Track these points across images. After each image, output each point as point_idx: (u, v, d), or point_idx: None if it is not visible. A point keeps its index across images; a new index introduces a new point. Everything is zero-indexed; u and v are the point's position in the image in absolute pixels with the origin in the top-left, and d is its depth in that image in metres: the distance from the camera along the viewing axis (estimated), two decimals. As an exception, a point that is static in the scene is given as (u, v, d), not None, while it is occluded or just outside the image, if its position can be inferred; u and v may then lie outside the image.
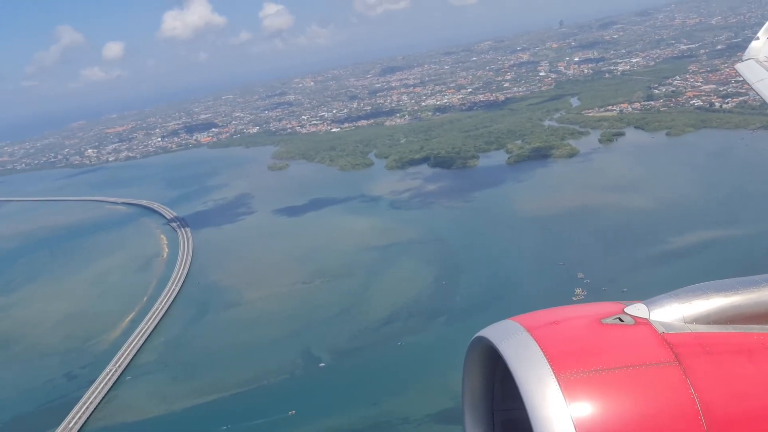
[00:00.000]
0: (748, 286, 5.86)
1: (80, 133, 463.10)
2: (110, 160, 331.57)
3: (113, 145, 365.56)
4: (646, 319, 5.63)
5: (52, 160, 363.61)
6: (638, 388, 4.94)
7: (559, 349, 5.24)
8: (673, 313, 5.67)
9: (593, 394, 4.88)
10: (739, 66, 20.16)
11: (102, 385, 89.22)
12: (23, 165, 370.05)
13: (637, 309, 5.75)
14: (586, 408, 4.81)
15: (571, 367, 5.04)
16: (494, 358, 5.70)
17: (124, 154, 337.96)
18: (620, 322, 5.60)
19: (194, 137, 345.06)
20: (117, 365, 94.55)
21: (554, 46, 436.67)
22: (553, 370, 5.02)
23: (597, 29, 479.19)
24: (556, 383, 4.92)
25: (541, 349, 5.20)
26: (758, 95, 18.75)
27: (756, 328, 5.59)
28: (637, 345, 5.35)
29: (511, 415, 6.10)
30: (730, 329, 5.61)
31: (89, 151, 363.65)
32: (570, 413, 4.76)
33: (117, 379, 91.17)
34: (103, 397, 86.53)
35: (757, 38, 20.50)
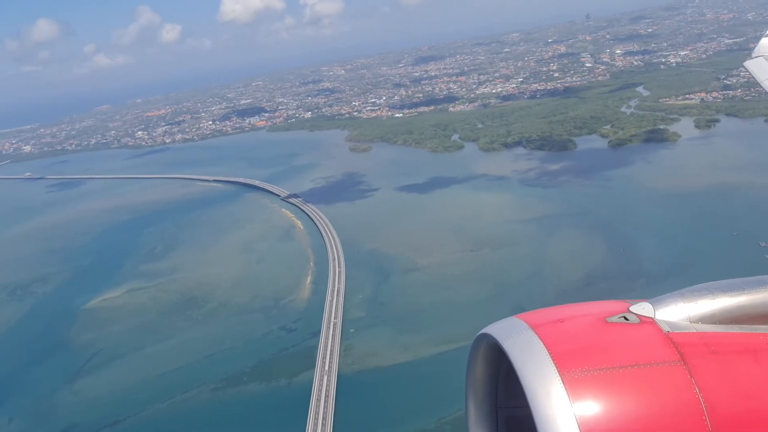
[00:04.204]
0: (754, 286, 5.85)
1: (117, 116, 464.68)
2: (166, 141, 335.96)
3: (162, 128, 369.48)
4: (652, 318, 5.65)
5: (104, 141, 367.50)
6: (643, 388, 4.95)
7: (564, 348, 5.27)
8: (678, 312, 5.68)
9: (597, 392, 4.90)
10: (748, 63, 19.23)
11: (331, 335, 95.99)
12: (73, 146, 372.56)
13: (643, 308, 5.77)
14: (590, 407, 4.82)
15: (576, 365, 5.06)
16: (498, 356, 5.74)
17: (179, 136, 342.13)
18: (625, 321, 5.63)
19: (247, 121, 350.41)
20: (332, 319, 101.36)
21: (588, 38, 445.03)
22: (557, 368, 5.04)
23: (628, 23, 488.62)
24: (560, 381, 4.94)
25: (546, 347, 5.24)
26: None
27: (762, 329, 5.58)
28: (642, 344, 5.36)
29: (515, 413, 6.17)
30: (735, 329, 5.60)
31: (140, 133, 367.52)
32: (574, 412, 4.79)
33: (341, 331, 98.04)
34: (339, 345, 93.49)
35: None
